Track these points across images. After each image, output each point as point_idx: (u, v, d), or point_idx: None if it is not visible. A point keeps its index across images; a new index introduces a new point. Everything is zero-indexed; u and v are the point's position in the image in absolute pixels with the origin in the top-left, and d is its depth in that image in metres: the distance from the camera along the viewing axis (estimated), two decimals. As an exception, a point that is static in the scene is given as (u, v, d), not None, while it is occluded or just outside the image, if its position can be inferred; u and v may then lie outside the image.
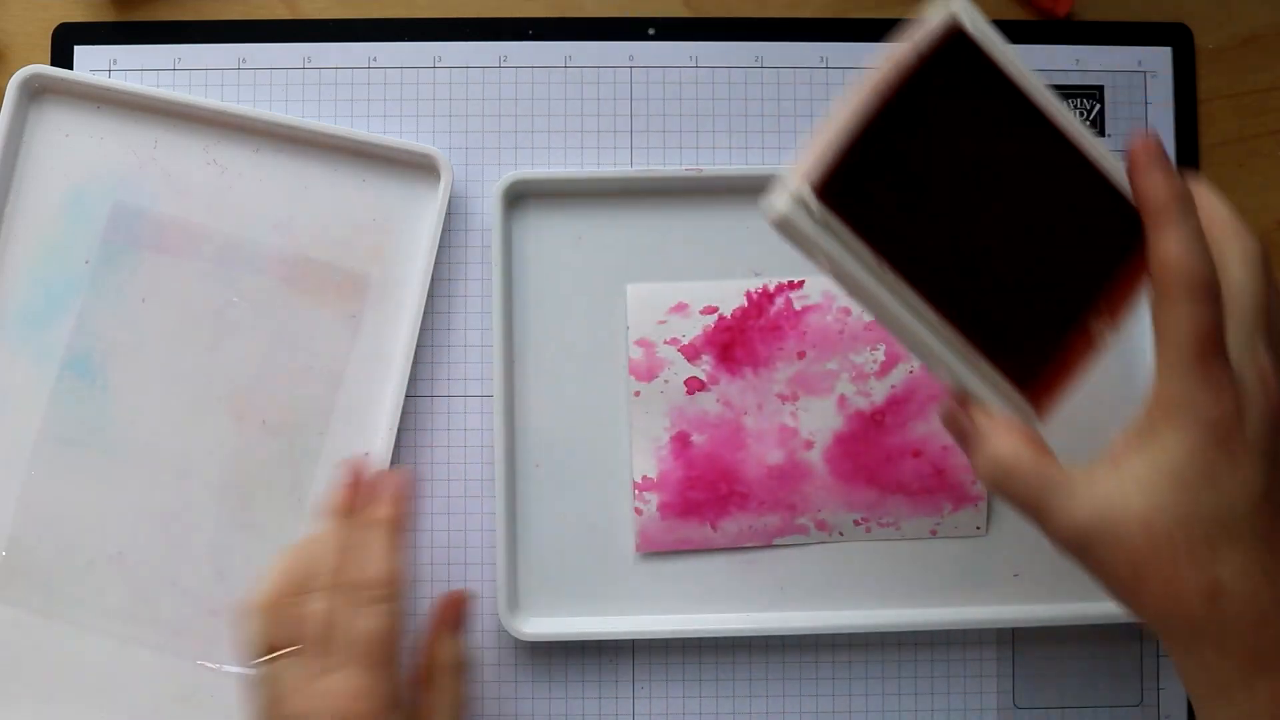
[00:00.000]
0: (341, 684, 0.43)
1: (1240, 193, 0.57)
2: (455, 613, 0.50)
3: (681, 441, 0.54)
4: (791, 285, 0.54)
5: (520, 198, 0.55)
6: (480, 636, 0.54)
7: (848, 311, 0.54)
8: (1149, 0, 0.58)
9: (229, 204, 0.54)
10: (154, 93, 0.53)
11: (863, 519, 0.54)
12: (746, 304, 0.54)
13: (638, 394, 0.54)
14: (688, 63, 0.56)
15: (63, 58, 0.55)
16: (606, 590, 0.54)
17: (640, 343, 0.54)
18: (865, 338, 0.54)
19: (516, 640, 0.54)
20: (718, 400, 0.54)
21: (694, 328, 0.54)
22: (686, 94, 0.56)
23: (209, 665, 0.53)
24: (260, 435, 0.53)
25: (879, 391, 0.54)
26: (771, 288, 0.54)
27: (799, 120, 0.56)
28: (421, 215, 0.54)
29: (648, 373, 0.54)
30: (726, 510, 0.54)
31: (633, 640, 0.54)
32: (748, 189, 0.54)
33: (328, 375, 0.54)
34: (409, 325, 0.53)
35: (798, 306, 0.54)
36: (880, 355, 0.54)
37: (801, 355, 0.54)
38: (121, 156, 0.54)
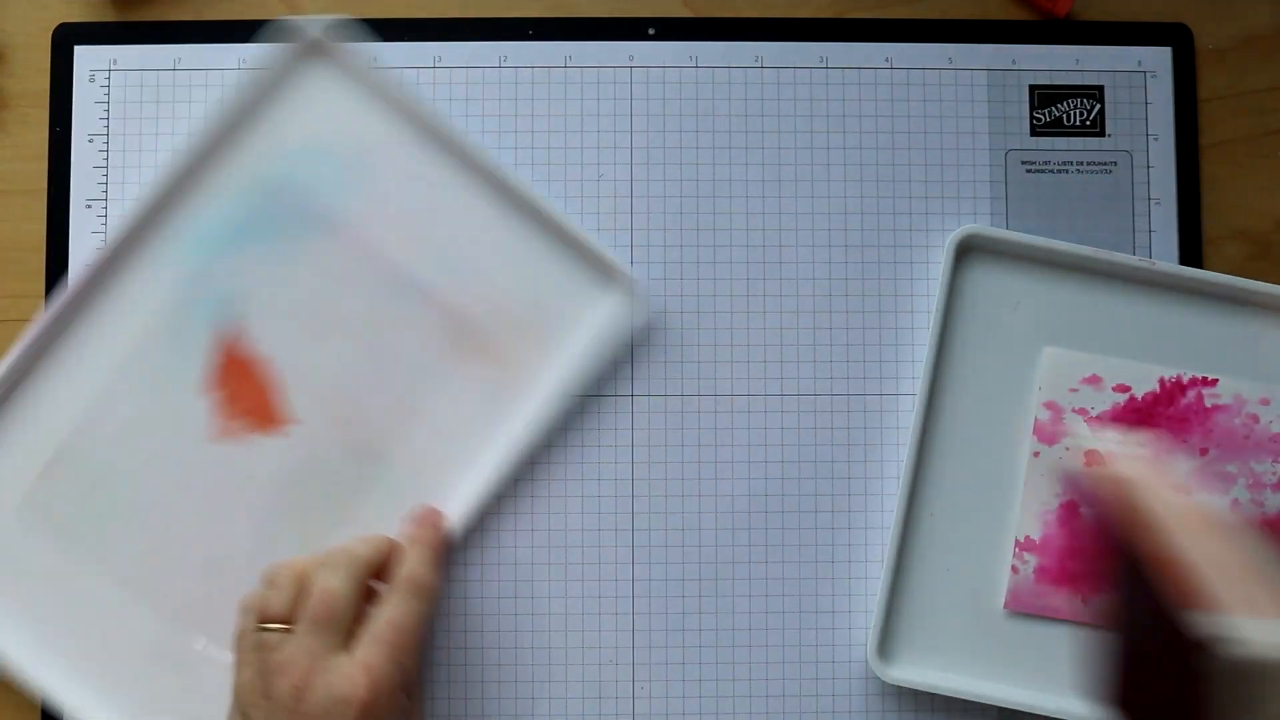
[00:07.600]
0: (354, 664, 0.44)
1: (1240, 193, 0.57)
2: (428, 530, 0.50)
3: (1070, 510, 0.54)
4: (1205, 381, 0.54)
5: (969, 250, 0.55)
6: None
7: (1255, 419, 0.54)
8: (1149, 0, 0.58)
9: (415, 227, 0.54)
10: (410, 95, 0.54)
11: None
12: (1159, 390, 0.54)
13: (1037, 454, 0.54)
14: (688, 63, 0.56)
15: (63, 57, 0.55)
16: (970, 642, 0.53)
17: (1048, 405, 0.54)
18: (1270, 448, 0.54)
19: (884, 685, 0.53)
20: None
21: (1103, 402, 0.54)
22: (686, 94, 0.56)
23: (196, 646, 0.52)
24: (336, 444, 0.53)
25: (1273, 503, 0.54)
26: (1185, 380, 0.54)
27: (799, 120, 0.56)
28: (599, 324, 0.54)
29: (1050, 436, 0.54)
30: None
31: (997, 707, 0.53)
32: (1188, 289, 0.55)
33: (437, 424, 0.53)
34: (533, 416, 0.53)
35: (1208, 404, 0.54)
36: None
37: (1204, 452, 0.54)
38: (366, 135, 0.54)
